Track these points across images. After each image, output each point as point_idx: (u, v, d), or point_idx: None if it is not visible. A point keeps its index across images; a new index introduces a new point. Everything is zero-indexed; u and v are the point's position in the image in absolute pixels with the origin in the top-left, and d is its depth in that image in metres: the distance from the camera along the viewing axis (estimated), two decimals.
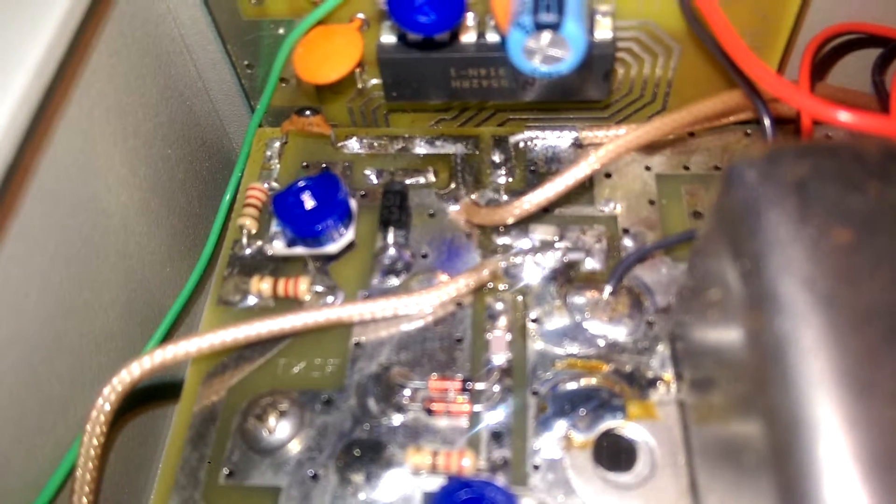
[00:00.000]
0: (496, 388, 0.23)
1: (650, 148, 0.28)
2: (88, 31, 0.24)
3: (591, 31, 0.25)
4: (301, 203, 0.24)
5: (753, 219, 0.16)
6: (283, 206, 0.24)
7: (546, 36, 0.22)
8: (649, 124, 0.25)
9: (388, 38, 0.26)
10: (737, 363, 0.17)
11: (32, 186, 0.21)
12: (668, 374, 0.23)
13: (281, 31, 0.28)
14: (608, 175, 0.28)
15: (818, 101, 0.21)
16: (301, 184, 0.25)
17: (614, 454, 0.22)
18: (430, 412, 0.23)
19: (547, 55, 0.23)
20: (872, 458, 0.13)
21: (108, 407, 0.22)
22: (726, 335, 0.17)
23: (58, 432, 0.23)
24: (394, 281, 0.26)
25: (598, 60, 0.25)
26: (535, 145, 0.29)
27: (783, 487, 0.14)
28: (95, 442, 0.22)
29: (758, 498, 0.15)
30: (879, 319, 0.15)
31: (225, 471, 0.22)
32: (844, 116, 0.20)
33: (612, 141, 0.25)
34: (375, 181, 0.28)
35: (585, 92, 0.27)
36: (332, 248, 0.25)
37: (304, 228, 0.24)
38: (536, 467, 0.22)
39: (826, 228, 0.16)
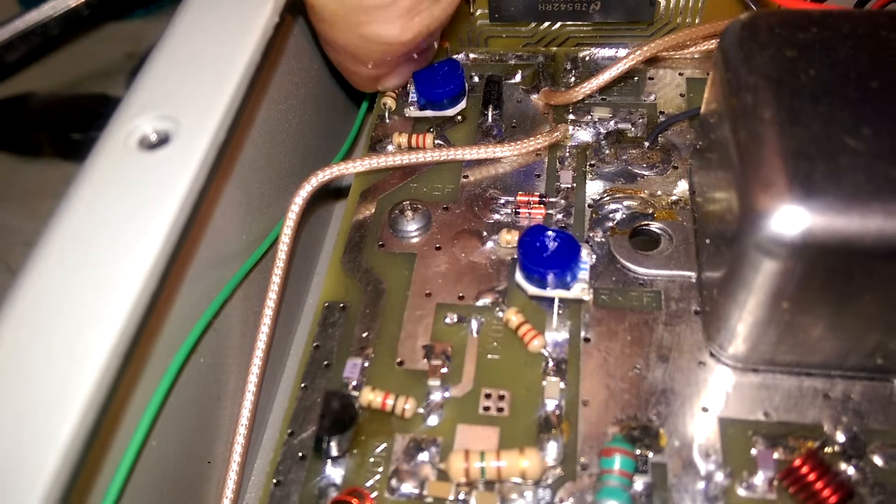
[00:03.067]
0: (563, 201, 0.33)
1: (684, 62, 0.39)
2: None
3: None
4: (433, 76, 0.35)
5: (737, 48, 0.26)
6: (420, 78, 0.36)
7: None
8: (675, 33, 0.35)
9: None
10: (723, 141, 0.26)
11: (265, 92, 0.32)
12: (686, 197, 0.33)
13: None
14: (651, 78, 0.38)
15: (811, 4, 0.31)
16: (434, 64, 0.36)
17: (644, 241, 0.32)
18: (517, 213, 0.33)
19: None
20: (792, 156, 0.23)
21: (301, 200, 0.33)
22: (719, 128, 0.27)
23: (267, 215, 0.34)
24: (491, 143, 0.36)
25: None
26: (598, 57, 0.39)
27: (743, 181, 0.24)
28: (292, 222, 0.33)
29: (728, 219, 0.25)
30: (806, 92, 0.24)
31: (379, 243, 0.33)
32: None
33: (642, 47, 0.35)
34: (478, 81, 0.39)
35: (636, 14, 0.37)
36: (450, 111, 0.36)
37: (434, 93, 0.35)
38: (590, 244, 0.32)
39: (780, 49, 0.26)
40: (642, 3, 0.37)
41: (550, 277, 0.28)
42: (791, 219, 0.22)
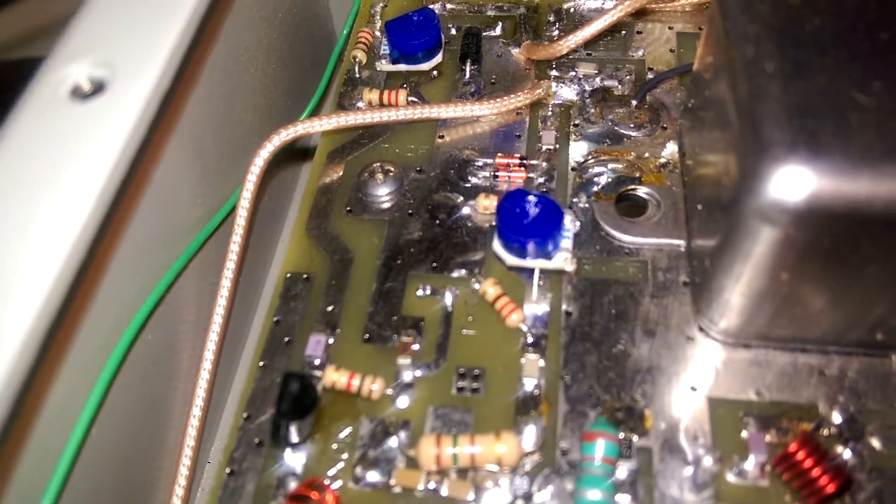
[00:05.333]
0: (545, 164, 0.31)
1: (675, 15, 0.36)
2: None
3: None
4: (407, 26, 0.33)
5: None
6: (393, 28, 0.33)
7: None
8: None
9: None
10: (720, 97, 0.24)
11: (215, 41, 0.29)
12: (675, 160, 0.31)
13: None
14: (639, 32, 0.36)
15: None
16: (408, 14, 0.33)
17: (631, 206, 0.30)
18: (495, 177, 0.31)
19: None
20: (796, 112, 0.21)
21: (263, 159, 0.30)
22: (715, 84, 0.25)
23: (227, 178, 0.31)
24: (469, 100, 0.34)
25: None
26: (583, 8, 0.37)
27: (742, 140, 0.22)
28: (252, 185, 0.30)
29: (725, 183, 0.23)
30: (812, 43, 0.22)
31: (346, 208, 0.30)
32: None
33: None
34: (455, 33, 0.36)
35: None
36: (425, 65, 0.34)
37: (408, 45, 0.33)
38: (574, 210, 0.29)
39: None
40: None
41: (531, 246, 0.26)
42: (795, 181, 0.20)
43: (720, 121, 0.25)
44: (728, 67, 0.23)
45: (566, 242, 0.27)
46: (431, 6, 0.38)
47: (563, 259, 0.26)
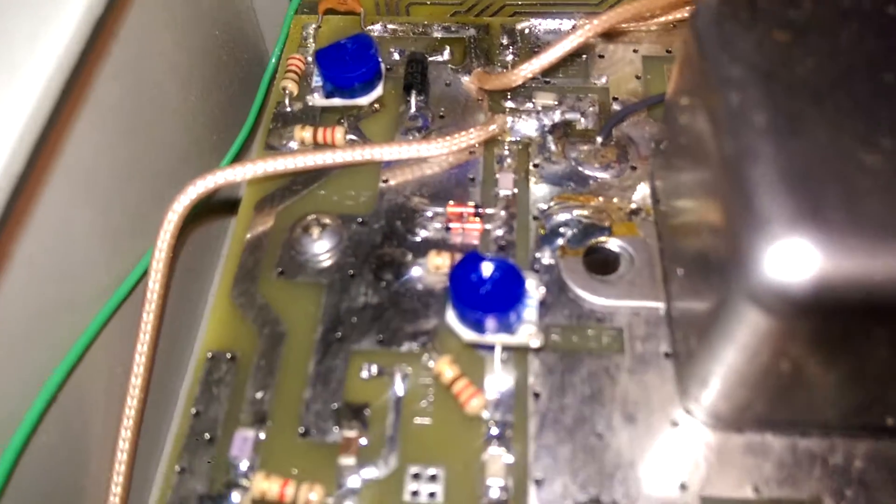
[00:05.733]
0: (503, 213, 0.28)
1: (639, 35, 0.33)
2: None
3: None
4: (341, 56, 0.29)
5: (714, 29, 0.21)
6: (324, 59, 0.29)
7: None
8: (628, 4, 0.29)
9: None
10: (700, 146, 0.21)
11: (106, 65, 0.25)
12: (648, 205, 0.28)
13: None
14: (601, 56, 0.32)
15: None
16: (341, 42, 0.29)
17: (601, 262, 0.26)
18: (447, 229, 0.27)
19: None
20: (794, 177, 0.18)
21: (177, 214, 0.26)
22: (693, 129, 0.22)
23: (136, 238, 0.27)
24: (415, 137, 0.30)
25: None
26: (539, 30, 0.33)
27: (731, 208, 0.19)
28: (167, 242, 0.26)
29: (710, 241, 0.20)
30: (806, 89, 0.19)
31: (277, 270, 0.26)
32: None
33: (596, 18, 0.29)
34: (398, 58, 0.33)
35: None
36: (363, 99, 0.30)
37: (342, 78, 0.29)
38: (536, 270, 0.26)
39: (768, 31, 0.20)
40: None
41: (490, 322, 0.22)
42: (797, 262, 0.17)
43: (700, 173, 0.22)
44: (709, 116, 0.20)
45: (530, 312, 0.23)
46: (371, 27, 0.34)
47: (527, 334, 0.23)
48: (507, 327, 0.23)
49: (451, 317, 0.24)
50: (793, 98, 0.19)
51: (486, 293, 0.23)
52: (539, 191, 0.28)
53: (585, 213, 0.27)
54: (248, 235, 0.27)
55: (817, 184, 0.18)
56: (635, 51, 0.33)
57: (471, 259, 0.23)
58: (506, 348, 0.23)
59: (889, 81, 0.19)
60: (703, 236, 0.21)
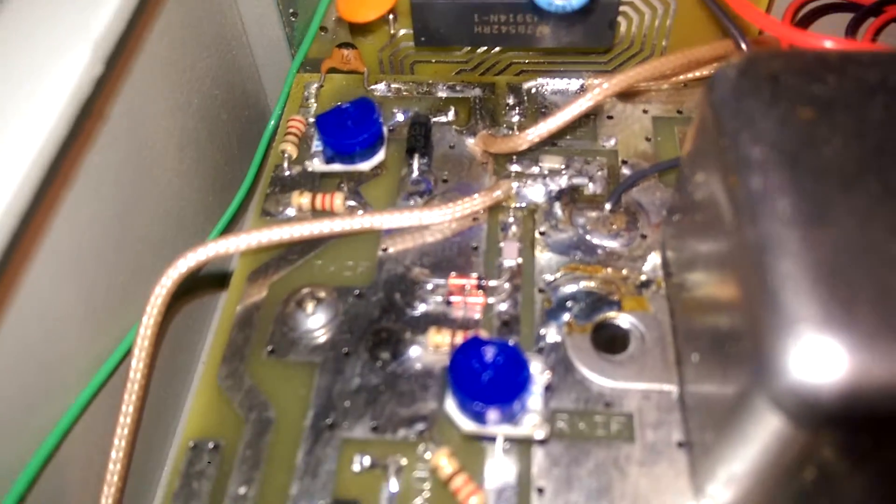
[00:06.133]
0: (507, 285, 0.26)
1: (648, 95, 0.32)
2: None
3: None
4: (342, 121, 0.28)
5: (733, 104, 0.20)
6: (325, 124, 0.28)
7: None
8: (641, 65, 0.28)
9: None
10: (717, 226, 0.20)
11: (101, 135, 0.24)
12: (659, 277, 0.26)
13: None
14: (610, 117, 0.31)
15: (798, 30, 0.24)
16: (342, 105, 0.28)
17: (609, 339, 0.25)
18: (448, 303, 0.26)
19: None
20: (822, 271, 0.16)
21: (165, 290, 0.25)
22: (709, 208, 0.20)
23: (120, 316, 0.26)
24: (417, 202, 0.29)
25: (604, 9, 0.29)
26: (546, 90, 0.32)
27: (753, 300, 0.17)
28: (153, 320, 0.25)
29: (728, 334, 0.18)
30: (833, 173, 0.18)
31: (268, 348, 0.25)
32: (824, 42, 0.24)
33: (608, 80, 0.28)
34: (402, 119, 0.32)
35: (592, 40, 0.30)
36: (364, 165, 0.29)
37: (343, 144, 0.27)
38: (541, 349, 0.25)
39: (792, 108, 0.19)
40: (600, 26, 0.30)
41: (492, 413, 0.21)
42: (827, 366, 0.15)
43: (718, 253, 0.20)
44: (728, 197, 0.19)
45: (535, 400, 0.22)
46: (374, 86, 0.33)
47: (531, 425, 0.21)
48: (509, 417, 0.21)
49: (450, 405, 0.22)
50: (819, 182, 0.18)
51: (487, 381, 0.21)
52: (545, 260, 0.27)
53: (593, 284, 0.26)
54: (239, 308, 0.26)
55: (847, 279, 0.16)
56: (645, 111, 0.31)
57: (472, 344, 0.22)
58: (508, 439, 0.22)
59: None
60: (720, 319, 0.20)
